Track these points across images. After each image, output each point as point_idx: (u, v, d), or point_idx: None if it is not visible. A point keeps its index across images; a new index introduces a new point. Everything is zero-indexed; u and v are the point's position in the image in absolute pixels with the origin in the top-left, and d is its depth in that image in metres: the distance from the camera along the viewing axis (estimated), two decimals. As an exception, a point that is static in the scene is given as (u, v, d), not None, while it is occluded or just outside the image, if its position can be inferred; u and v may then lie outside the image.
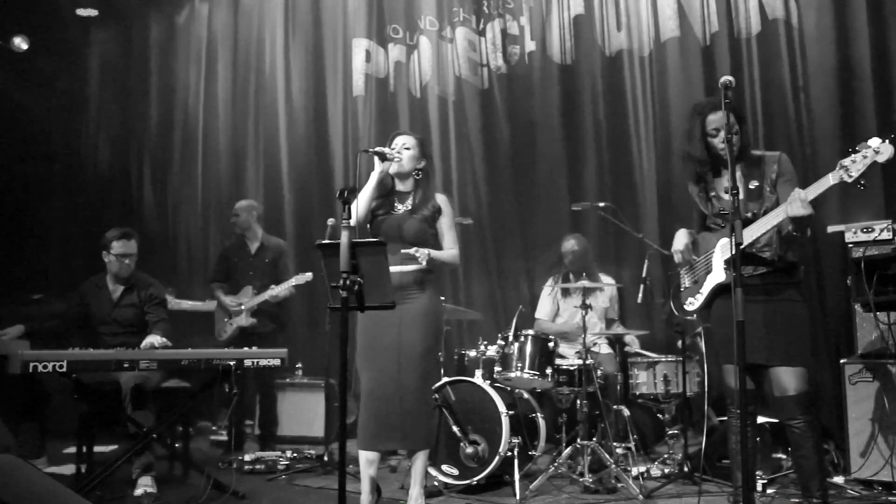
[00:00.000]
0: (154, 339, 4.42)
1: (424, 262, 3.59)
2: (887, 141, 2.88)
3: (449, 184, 6.69)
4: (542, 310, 5.58)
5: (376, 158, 3.69)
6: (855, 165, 2.90)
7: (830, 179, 2.98)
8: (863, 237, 4.27)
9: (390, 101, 7.04)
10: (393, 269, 3.31)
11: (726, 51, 5.63)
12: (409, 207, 3.79)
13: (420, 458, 3.69)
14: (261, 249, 5.92)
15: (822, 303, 5.10)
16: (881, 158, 2.87)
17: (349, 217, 2.85)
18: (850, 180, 2.91)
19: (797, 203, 3.00)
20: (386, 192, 3.84)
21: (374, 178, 3.72)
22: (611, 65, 6.20)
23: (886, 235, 4.18)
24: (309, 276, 5.54)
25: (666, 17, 5.93)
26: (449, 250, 3.81)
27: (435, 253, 3.69)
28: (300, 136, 7.36)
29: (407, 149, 3.78)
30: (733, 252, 2.78)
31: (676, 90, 5.87)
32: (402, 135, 3.86)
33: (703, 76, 5.74)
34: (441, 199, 3.85)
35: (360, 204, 3.65)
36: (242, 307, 5.70)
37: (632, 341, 5.36)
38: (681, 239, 3.52)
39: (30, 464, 3.24)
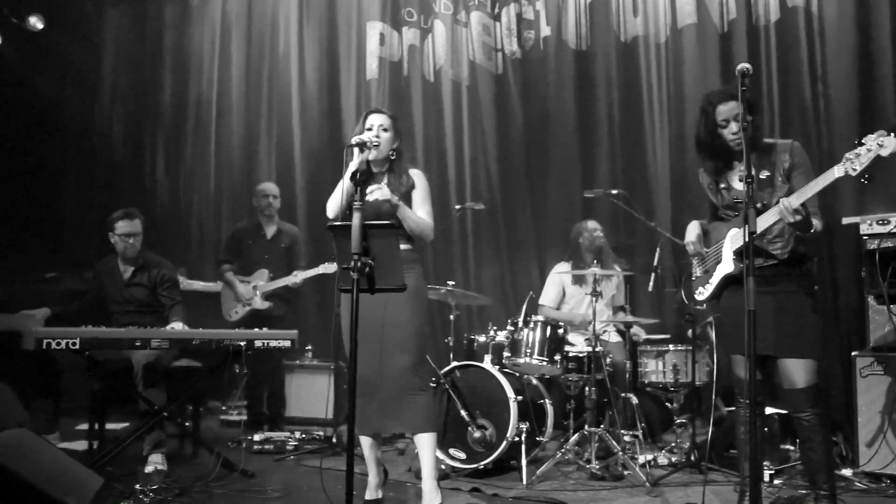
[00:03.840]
0: (178, 327, 4.47)
1: (394, 200, 3.42)
2: (892, 134, 2.84)
3: (462, 168, 6.69)
4: (547, 296, 5.52)
5: (356, 150, 3.43)
6: (859, 159, 2.87)
7: (836, 172, 2.94)
8: (878, 229, 4.23)
9: (404, 85, 7.02)
10: None
11: (744, 38, 5.58)
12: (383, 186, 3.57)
13: (426, 443, 3.46)
14: (278, 234, 5.93)
15: (835, 294, 5.07)
16: (885, 152, 2.83)
17: (361, 199, 2.84)
18: (854, 174, 2.88)
19: (788, 212, 2.99)
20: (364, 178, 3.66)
21: (352, 168, 3.41)
22: (626, 51, 6.16)
23: (901, 228, 4.15)
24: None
25: (683, 3, 5.89)
26: (422, 217, 3.62)
27: (405, 208, 3.51)
28: (313, 118, 7.35)
29: (385, 130, 3.59)
30: (746, 241, 2.75)
31: (692, 78, 5.83)
32: (376, 114, 3.65)
33: (719, 64, 5.70)
34: (415, 173, 3.69)
35: (336, 200, 3.53)
36: (257, 290, 5.71)
37: (638, 332, 5.33)
38: (692, 230, 3.51)
39: (43, 439, 3.28)
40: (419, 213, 3.62)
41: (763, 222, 3.10)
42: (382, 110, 3.71)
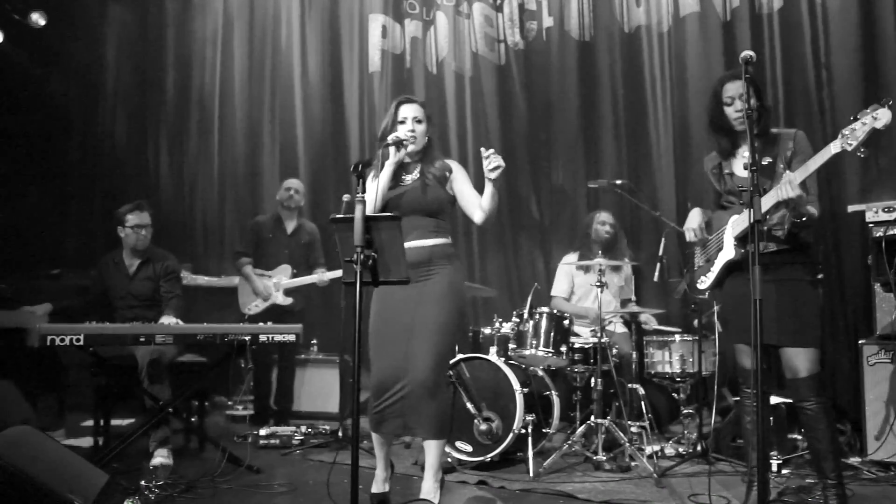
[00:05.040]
0: (169, 321, 4.45)
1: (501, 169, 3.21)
2: (886, 107, 2.84)
3: (465, 160, 6.65)
4: (559, 287, 5.53)
5: (392, 149, 3.37)
6: (854, 133, 2.87)
7: (832, 149, 2.94)
8: (884, 217, 4.22)
9: (406, 78, 7.00)
10: (409, 244, 3.21)
11: (747, 26, 5.55)
12: (417, 176, 3.50)
13: (433, 448, 3.38)
14: (297, 230, 5.94)
15: (841, 283, 5.05)
16: (879, 124, 2.84)
17: (363, 192, 2.81)
18: (850, 149, 2.88)
19: (786, 186, 2.97)
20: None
21: (388, 170, 3.40)
22: (629, 41, 6.14)
23: (908, 215, 4.13)
24: None
25: (685, -9, 5.86)
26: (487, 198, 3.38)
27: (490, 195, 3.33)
28: (316, 111, 7.34)
29: (419, 121, 3.49)
30: (751, 230, 2.74)
31: (695, 67, 5.81)
32: (409, 104, 3.52)
33: (723, 52, 5.66)
34: (451, 162, 3.57)
35: (378, 198, 3.38)
36: (278, 285, 5.71)
37: (648, 319, 5.33)
38: (694, 218, 3.51)
39: (47, 436, 3.28)
40: (474, 195, 3.47)
41: (763, 204, 3.08)
42: (413, 99, 3.58)
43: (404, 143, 3.38)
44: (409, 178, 3.52)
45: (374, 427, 3.44)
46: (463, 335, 5.05)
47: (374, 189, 3.40)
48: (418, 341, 3.34)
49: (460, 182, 3.52)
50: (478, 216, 3.46)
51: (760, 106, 3.23)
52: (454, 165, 3.56)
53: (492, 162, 3.20)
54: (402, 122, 3.49)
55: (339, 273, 5.52)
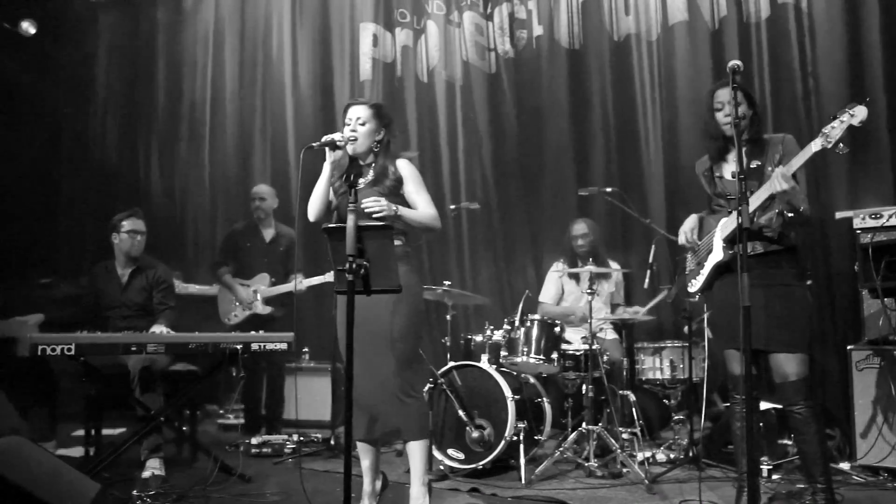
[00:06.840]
0: (160, 330, 4.44)
1: (386, 212, 3.24)
2: (863, 104, 2.97)
3: (456, 168, 6.69)
4: (547, 293, 5.57)
5: (327, 149, 3.38)
6: (833, 131, 2.97)
7: (813, 147, 3.02)
8: (871, 223, 4.26)
9: (397, 86, 7.01)
10: None
11: (735, 35, 5.61)
12: (370, 181, 3.45)
13: (416, 450, 3.36)
14: (276, 238, 5.91)
15: (830, 289, 5.09)
16: (855, 121, 2.95)
17: (355, 201, 2.82)
18: (829, 146, 2.97)
19: (778, 178, 3.03)
20: (345, 171, 3.51)
21: (326, 171, 3.44)
22: (619, 49, 6.17)
23: (895, 221, 4.16)
24: None
25: (674, 0, 5.89)
26: (424, 210, 3.45)
27: (404, 210, 3.36)
28: (307, 119, 7.33)
29: (362, 124, 3.44)
30: (738, 235, 2.77)
31: (684, 75, 5.85)
32: (354, 106, 3.49)
33: (711, 61, 5.71)
34: (401, 164, 3.49)
35: (315, 201, 3.48)
36: (258, 294, 5.70)
37: (635, 312, 5.29)
38: (689, 222, 3.55)
39: (39, 446, 3.27)
40: (418, 202, 3.44)
41: (755, 200, 3.12)
42: (361, 101, 3.54)
43: (338, 144, 3.34)
44: (362, 181, 3.46)
45: (361, 434, 3.40)
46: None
47: (317, 192, 3.48)
48: (376, 349, 3.31)
49: (409, 189, 3.47)
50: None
51: (754, 114, 3.29)
52: (405, 171, 3.48)
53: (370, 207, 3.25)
54: (348, 125, 3.47)
55: (315, 280, 5.53)
